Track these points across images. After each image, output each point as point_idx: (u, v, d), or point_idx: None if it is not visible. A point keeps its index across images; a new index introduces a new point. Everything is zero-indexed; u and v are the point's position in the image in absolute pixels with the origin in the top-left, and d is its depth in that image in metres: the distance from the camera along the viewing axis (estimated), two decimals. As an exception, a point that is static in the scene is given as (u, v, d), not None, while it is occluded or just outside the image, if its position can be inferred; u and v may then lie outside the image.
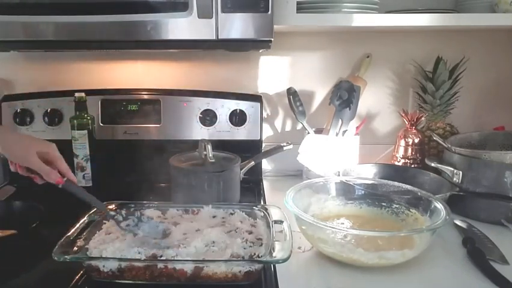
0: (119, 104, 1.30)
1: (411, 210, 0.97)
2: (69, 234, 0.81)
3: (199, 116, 1.29)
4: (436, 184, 1.11)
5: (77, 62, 1.36)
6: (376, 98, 1.41)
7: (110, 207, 0.95)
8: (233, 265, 0.74)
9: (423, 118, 1.31)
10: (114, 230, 0.87)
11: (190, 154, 1.15)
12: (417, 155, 1.29)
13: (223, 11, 0.96)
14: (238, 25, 0.97)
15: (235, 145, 1.26)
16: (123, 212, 0.86)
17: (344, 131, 1.27)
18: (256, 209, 0.95)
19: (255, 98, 1.33)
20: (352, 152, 1.27)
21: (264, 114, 1.40)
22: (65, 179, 0.82)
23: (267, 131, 1.42)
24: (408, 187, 1.01)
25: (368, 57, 1.35)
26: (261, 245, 0.82)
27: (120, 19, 0.97)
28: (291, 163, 1.32)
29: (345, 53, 1.37)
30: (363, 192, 1.04)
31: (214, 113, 1.29)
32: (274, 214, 0.90)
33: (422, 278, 0.81)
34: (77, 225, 0.84)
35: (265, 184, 1.32)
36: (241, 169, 1.14)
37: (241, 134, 1.31)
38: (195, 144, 1.15)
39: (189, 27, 0.97)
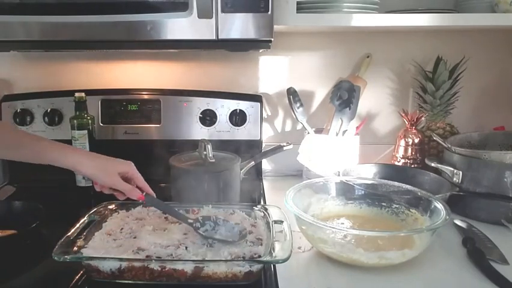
0: (119, 104, 1.30)
1: (411, 210, 0.97)
2: (69, 234, 0.81)
3: (199, 116, 1.29)
4: (436, 184, 1.11)
5: (77, 62, 1.36)
6: (376, 98, 1.41)
7: (110, 207, 0.95)
8: (233, 265, 0.74)
9: (423, 118, 1.31)
10: (115, 231, 0.87)
11: (190, 154, 1.15)
12: (417, 155, 1.29)
13: (223, 11, 0.96)
14: (238, 25, 0.97)
15: (235, 145, 1.26)
16: (199, 218, 0.87)
17: (344, 131, 1.27)
18: (256, 209, 0.95)
19: (255, 98, 1.33)
20: (352, 152, 1.27)
21: (264, 114, 1.40)
22: (144, 193, 0.88)
23: (267, 131, 1.42)
24: (408, 187, 1.01)
25: (368, 57, 1.35)
26: (261, 245, 0.82)
27: (120, 19, 0.97)
28: (291, 163, 1.32)
29: (345, 53, 1.37)
30: (363, 192, 1.04)
31: (214, 113, 1.29)
32: (274, 214, 0.90)
33: (422, 278, 0.81)
34: (77, 225, 0.84)
35: (265, 184, 1.32)
36: (241, 169, 1.14)
37: (241, 134, 1.31)
38: (195, 144, 1.14)
39: (189, 27, 0.97)
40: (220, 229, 0.85)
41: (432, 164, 1.13)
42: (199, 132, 1.29)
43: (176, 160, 1.11)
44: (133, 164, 0.89)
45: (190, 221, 0.87)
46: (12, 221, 0.98)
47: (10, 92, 1.35)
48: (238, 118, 1.30)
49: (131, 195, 0.86)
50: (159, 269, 0.74)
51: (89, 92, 1.23)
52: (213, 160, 1.08)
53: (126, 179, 0.87)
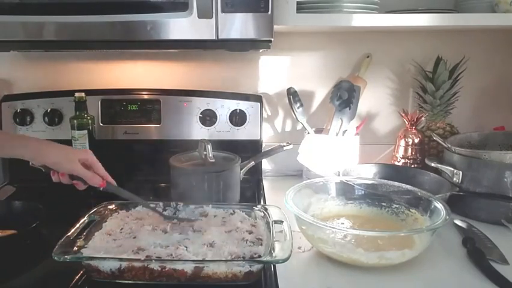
0: (119, 104, 1.30)
1: (411, 210, 0.97)
2: (69, 234, 0.81)
3: (199, 116, 1.29)
4: (436, 184, 1.11)
5: (77, 62, 1.36)
6: (376, 98, 1.41)
7: (110, 207, 0.95)
8: (233, 265, 0.74)
9: (423, 118, 1.31)
10: (114, 231, 0.87)
11: (190, 154, 1.15)
12: (417, 155, 1.29)
13: (223, 11, 0.96)
14: (238, 25, 0.97)
15: (235, 145, 1.26)
16: (160, 204, 0.93)
17: (344, 131, 1.27)
18: (256, 209, 0.95)
19: (255, 98, 1.33)
20: (352, 152, 1.27)
21: (264, 114, 1.40)
22: (104, 181, 0.89)
23: (267, 131, 1.42)
24: (408, 187, 1.01)
25: (368, 57, 1.35)
26: (261, 245, 0.82)
27: (120, 19, 0.97)
28: (291, 163, 1.32)
29: (345, 53, 1.37)
30: (363, 192, 1.04)
31: (214, 113, 1.29)
32: (274, 214, 0.90)
33: (422, 278, 0.81)
34: (77, 225, 0.84)
35: (265, 184, 1.31)
36: (241, 169, 1.14)
37: (241, 134, 1.31)
38: (195, 144, 1.14)
39: (189, 27, 0.97)
40: (181, 212, 0.91)
41: (432, 164, 1.13)
42: (199, 132, 1.29)
43: (176, 160, 1.11)
44: (90, 151, 0.90)
45: (152, 205, 0.92)
46: (12, 221, 0.98)
47: (10, 92, 1.34)
48: (238, 118, 1.30)
49: (92, 182, 0.86)
50: (159, 269, 0.74)
51: (89, 92, 1.23)
52: (213, 160, 1.08)
53: (86, 167, 0.87)
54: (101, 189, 0.88)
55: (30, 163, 0.87)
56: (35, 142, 0.87)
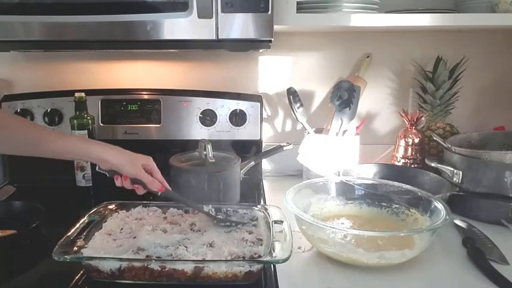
0: (119, 104, 1.30)
1: (411, 210, 0.97)
2: (69, 234, 0.81)
3: (199, 116, 1.29)
4: (436, 184, 1.11)
5: (77, 62, 1.36)
6: (376, 98, 1.41)
7: (110, 207, 0.95)
8: (233, 265, 0.74)
9: (423, 118, 1.31)
10: (114, 231, 0.87)
11: (190, 154, 1.15)
12: (417, 155, 1.29)
13: (223, 11, 0.96)
14: (238, 25, 0.97)
15: (235, 145, 1.26)
16: (212, 209, 0.93)
17: (344, 131, 1.27)
18: (256, 209, 0.95)
19: (255, 98, 1.33)
20: (352, 152, 1.27)
21: (264, 114, 1.40)
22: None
23: (267, 131, 1.42)
24: (408, 187, 1.01)
25: (368, 57, 1.35)
26: (261, 245, 0.82)
27: (120, 19, 0.97)
28: (291, 163, 1.32)
29: (345, 53, 1.37)
30: (363, 192, 1.04)
31: (214, 113, 1.29)
32: (274, 214, 0.90)
33: (422, 278, 0.81)
34: (77, 225, 0.84)
35: (265, 184, 1.31)
36: (241, 169, 1.14)
37: (241, 134, 1.31)
38: (195, 144, 1.14)
39: (189, 27, 0.97)
40: (231, 218, 0.91)
41: (432, 164, 1.13)
42: (199, 132, 1.29)
43: (176, 160, 1.11)
44: (151, 158, 0.91)
45: (205, 209, 0.92)
46: (12, 221, 0.99)
47: (10, 92, 1.34)
48: (238, 118, 1.30)
49: (152, 186, 0.88)
50: (159, 269, 0.74)
51: (89, 92, 1.23)
52: (213, 160, 1.08)
53: (146, 172, 0.89)
54: (159, 194, 0.90)
55: (97, 167, 0.88)
56: (99, 144, 0.87)
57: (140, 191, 0.89)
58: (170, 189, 0.94)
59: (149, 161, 0.90)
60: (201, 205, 0.93)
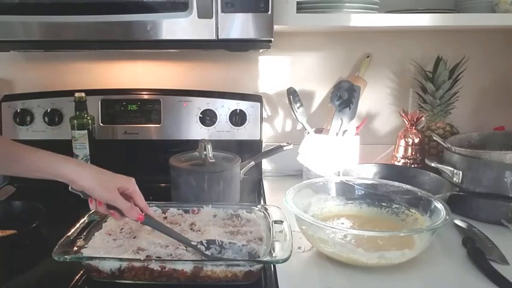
0: (119, 104, 1.30)
1: (411, 210, 0.97)
2: (69, 234, 0.81)
3: (199, 116, 1.29)
4: (436, 184, 1.11)
5: (77, 62, 1.36)
6: (376, 98, 1.41)
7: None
8: (233, 265, 0.74)
9: (423, 118, 1.31)
10: (114, 231, 0.87)
11: (190, 154, 1.15)
12: (417, 155, 1.29)
13: (223, 11, 0.96)
14: (238, 25, 0.97)
15: (235, 145, 1.26)
16: (204, 242, 0.80)
17: (344, 131, 1.27)
18: (256, 209, 0.95)
19: (255, 98, 1.33)
20: (352, 152, 1.27)
21: (264, 114, 1.40)
22: (143, 214, 0.81)
23: (267, 131, 1.42)
24: (408, 187, 1.01)
25: (368, 57, 1.35)
26: (261, 245, 0.82)
27: (120, 19, 0.97)
28: (291, 163, 1.32)
29: (345, 53, 1.37)
30: (363, 192, 1.04)
31: (214, 113, 1.29)
32: (274, 214, 0.90)
33: (422, 278, 0.81)
34: (77, 225, 0.84)
35: (265, 184, 1.31)
36: (241, 169, 1.14)
37: (241, 134, 1.31)
38: (195, 144, 1.14)
39: (189, 27, 0.97)
40: (227, 252, 0.79)
41: (432, 164, 1.13)
42: (199, 132, 1.29)
43: (176, 160, 1.11)
44: (134, 180, 0.82)
45: (193, 243, 0.80)
46: (12, 221, 0.99)
47: (10, 92, 1.34)
48: (238, 118, 1.30)
49: (130, 214, 0.79)
50: (159, 269, 0.74)
51: (89, 92, 1.23)
52: (213, 160, 1.08)
53: (125, 197, 0.80)
54: (139, 222, 0.81)
55: (70, 187, 0.79)
56: (70, 163, 0.78)
57: (117, 217, 0.80)
58: (154, 216, 0.84)
59: (129, 184, 0.80)
60: (188, 239, 0.81)
